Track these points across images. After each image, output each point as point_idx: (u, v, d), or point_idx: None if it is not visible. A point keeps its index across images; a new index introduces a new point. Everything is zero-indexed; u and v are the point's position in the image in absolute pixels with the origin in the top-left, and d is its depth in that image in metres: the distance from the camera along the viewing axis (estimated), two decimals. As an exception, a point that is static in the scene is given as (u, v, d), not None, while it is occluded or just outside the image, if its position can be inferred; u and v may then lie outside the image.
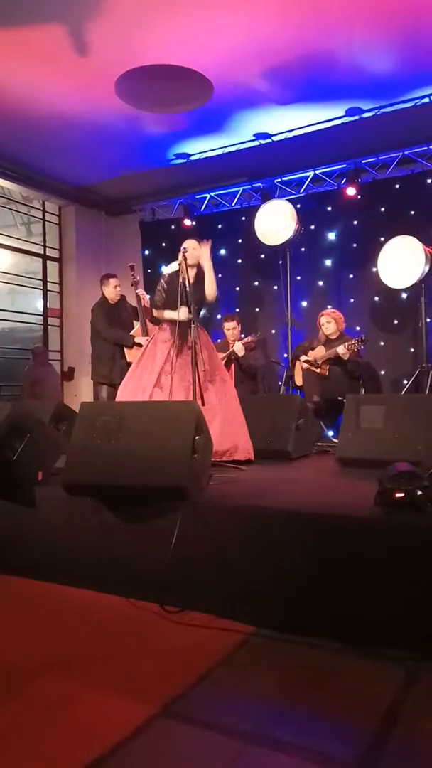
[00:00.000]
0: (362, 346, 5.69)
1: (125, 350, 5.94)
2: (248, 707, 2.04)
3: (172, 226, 8.12)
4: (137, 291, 5.83)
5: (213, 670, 2.27)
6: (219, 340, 6.37)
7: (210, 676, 2.22)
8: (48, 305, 8.76)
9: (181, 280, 4.21)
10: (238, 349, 6.16)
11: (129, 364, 5.69)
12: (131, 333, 5.92)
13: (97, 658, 2.38)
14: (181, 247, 4.34)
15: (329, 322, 5.88)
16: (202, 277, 4.44)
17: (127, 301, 6.18)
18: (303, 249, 7.24)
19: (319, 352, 5.91)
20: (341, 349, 5.62)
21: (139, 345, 5.67)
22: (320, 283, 7.39)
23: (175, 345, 4.30)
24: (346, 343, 5.65)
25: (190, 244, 4.38)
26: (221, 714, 1.99)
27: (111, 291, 6.11)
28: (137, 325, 5.92)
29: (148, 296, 5.71)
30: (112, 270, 8.65)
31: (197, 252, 4.40)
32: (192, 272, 4.37)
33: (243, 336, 6.51)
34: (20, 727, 1.91)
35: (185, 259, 4.27)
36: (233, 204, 7.89)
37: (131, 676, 2.24)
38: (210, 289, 4.45)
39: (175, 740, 1.86)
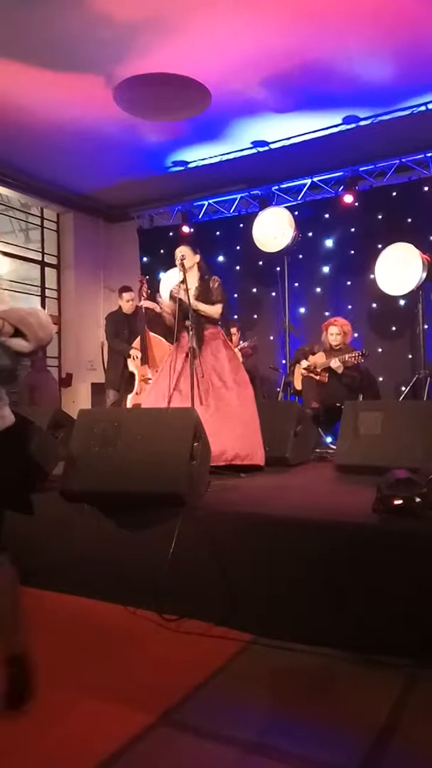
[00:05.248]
0: (362, 360, 5.65)
1: (127, 360, 6.09)
2: (246, 716, 2.03)
3: (171, 233, 8.14)
4: (141, 303, 5.89)
5: (211, 678, 2.26)
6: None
7: (208, 685, 2.22)
8: (46, 312, 8.77)
9: (184, 288, 4.21)
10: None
11: (131, 374, 6.04)
12: (133, 345, 6.14)
13: (95, 666, 2.37)
14: (178, 257, 4.33)
15: (339, 334, 5.79)
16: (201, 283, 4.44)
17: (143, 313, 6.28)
18: (301, 256, 7.26)
19: (320, 359, 5.90)
20: (334, 363, 5.57)
21: (130, 356, 5.98)
22: (318, 289, 7.41)
23: (189, 349, 4.32)
24: (347, 356, 5.59)
25: (185, 252, 4.38)
26: (219, 722, 1.98)
27: (124, 304, 6.51)
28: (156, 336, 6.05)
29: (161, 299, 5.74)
30: (112, 277, 8.72)
31: (194, 259, 4.41)
32: (191, 278, 4.37)
33: (241, 342, 6.53)
34: (18, 736, 1.90)
35: (183, 267, 4.28)
36: (231, 211, 7.91)
37: (129, 684, 2.23)
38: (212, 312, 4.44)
39: (173, 749, 1.85)
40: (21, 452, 2.04)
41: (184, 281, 4.24)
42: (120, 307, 6.60)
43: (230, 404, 4.18)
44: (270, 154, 6.82)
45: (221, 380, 4.24)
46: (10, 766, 1.78)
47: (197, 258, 4.43)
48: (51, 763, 1.79)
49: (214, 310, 4.37)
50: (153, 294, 6.06)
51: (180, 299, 4.25)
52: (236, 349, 6.27)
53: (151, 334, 5.97)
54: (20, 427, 2.02)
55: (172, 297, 4.43)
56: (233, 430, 4.02)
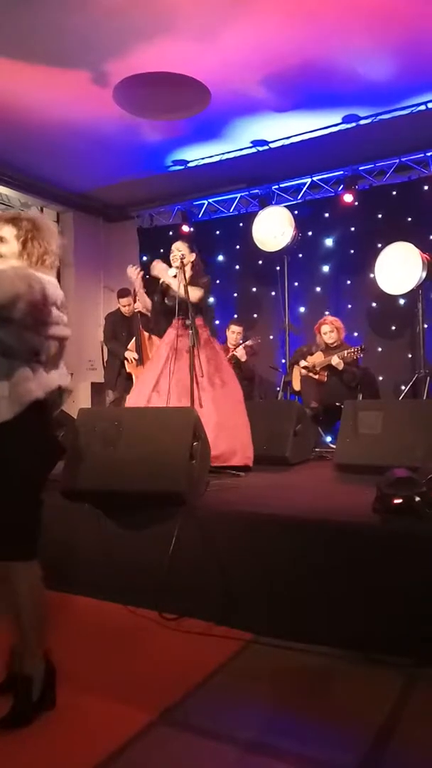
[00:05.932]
0: (361, 355, 5.69)
1: (125, 362, 6.14)
2: (247, 715, 2.03)
3: (170, 233, 8.12)
4: (136, 306, 5.92)
5: (211, 677, 2.26)
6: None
7: (208, 684, 2.22)
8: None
9: (183, 285, 4.20)
10: (240, 354, 6.23)
11: (129, 375, 6.09)
12: (129, 346, 6.22)
13: (96, 665, 2.38)
14: (179, 255, 4.32)
15: (332, 331, 5.87)
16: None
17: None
18: (300, 255, 7.26)
19: (318, 358, 5.92)
20: (335, 360, 5.61)
21: (127, 359, 6.10)
22: (318, 289, 7.41)
23: (174, 348, 4.31)
24: (345, 352, 5.64)
25: (184, 251, 4.38)
26: (219, 721, 1.99)
27: (122, 308, 6.60)
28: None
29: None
30: (112, 277, 8.70)
31: (189, 257, 4.40)
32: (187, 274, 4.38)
33: (242, 341, 6.55)
34: (20, 734, 1.90)
35: (183, 265, 4.27)
36: (231, 210, 7.91)
37: (130, 683, 2.24)
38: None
39: (173, 748, 1.85)
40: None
41: (184, 280, 4.23)
42: (119, 308, 6.66)
43: (202, 406, 4.07)
44: (270, 154, 6.81)
45: (195, 381, 4.16)
46: (11, 764, 1.78)
47: (193, 256, 4.41)
48: (51, 762, 1.79)
49: (194, 293, 4.28)
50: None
51: (168, 292, 4.25)
52: (240, 348, 6.32)
53: (147, 334, 6.01)
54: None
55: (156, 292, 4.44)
56: (207, 433, 3.92)
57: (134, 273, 4.54)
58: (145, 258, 8.43)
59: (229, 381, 4.42)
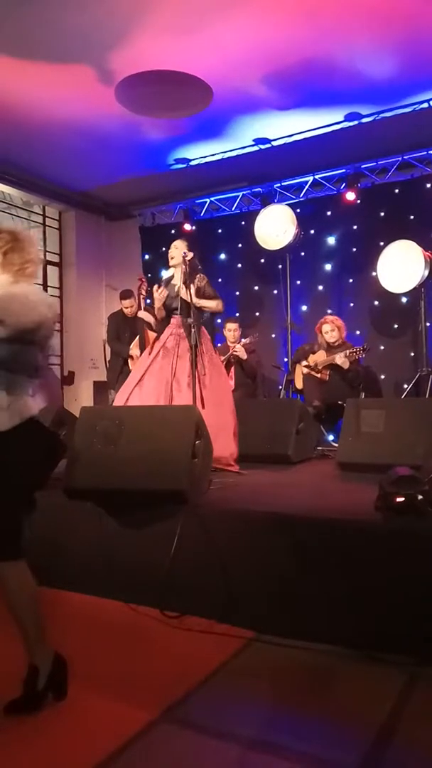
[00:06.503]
0: (363, 355, 5.68)
1: (127, 360, 6.15)
2: (248, 712, 2.03)
3: (172, 231, 8.12)
4: (140, 313, 5.88)
5: (213, 675, 2.26)
6: (218, 345, 6.38)
7: (210, 681, 2.22)
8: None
9: (188, 287, 4.21)
10: (240, 351, 6.21)
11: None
12: (131, 345, 6.27)
13: (98, 663, 2.38)
14: (177, 252, 4.34)
15: (333, 330, 5.88)
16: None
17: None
18: (303, 253, 7.24)
19: (320, 357, 5.91)
20: (340, 359, 5.60)
21: (131, 356, 6.13)
22: (320, 287, 7.39)
23: (164, 346, 4.34)
24: (348, 351, 5.63)
25: (181, 247, 4.39)
26: (221, 719, 1.99)
27: (125, 309, 6.69)
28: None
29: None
30: (114, 275, 8.71)
31: (188, 256, 4.38)
32: (179, 274, 4.40)
33: (242, 339, 6.54)
34: (22, 733, 1.90)
35: (186, 263, 4.28)
36: (233, 209, 7.90)
37: (132, 681, 2.24)
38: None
39: (175, 745, 1.86)
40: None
41: (190, 280, 4.23)
42: (122, 309, 6.67)
43: (204, 407, 3.99)
44: (272, 152, 6.80)
45: (178, 382, 4.18)
46: (13, 762, 1.78)
47: (190, 255, 4.41)
48: (51, 761, 1.80)
49: (217, 304, 4.41)
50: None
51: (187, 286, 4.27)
52: (239, 345, 6.30)
53: (151, 333, 6.00)
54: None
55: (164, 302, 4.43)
56: None
57: (161, 296, 4.50)
58: (147, 257, 8.44)
59: (217, 384, 4.35)
